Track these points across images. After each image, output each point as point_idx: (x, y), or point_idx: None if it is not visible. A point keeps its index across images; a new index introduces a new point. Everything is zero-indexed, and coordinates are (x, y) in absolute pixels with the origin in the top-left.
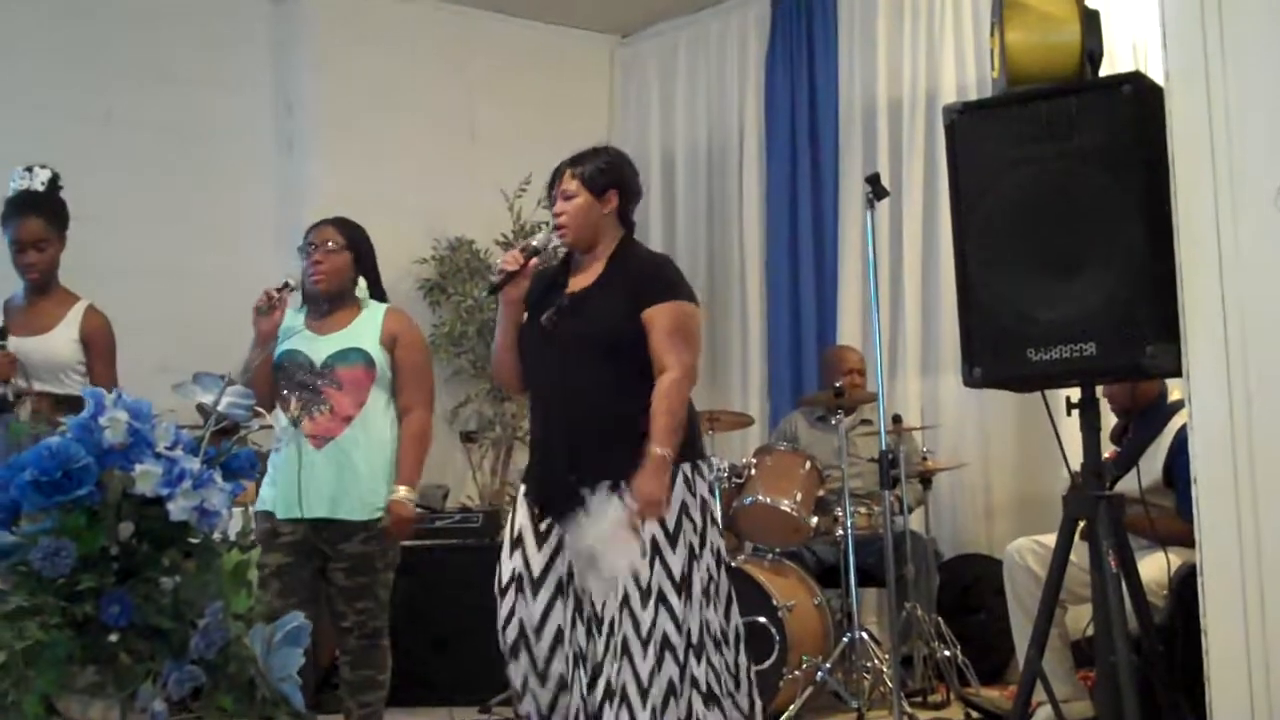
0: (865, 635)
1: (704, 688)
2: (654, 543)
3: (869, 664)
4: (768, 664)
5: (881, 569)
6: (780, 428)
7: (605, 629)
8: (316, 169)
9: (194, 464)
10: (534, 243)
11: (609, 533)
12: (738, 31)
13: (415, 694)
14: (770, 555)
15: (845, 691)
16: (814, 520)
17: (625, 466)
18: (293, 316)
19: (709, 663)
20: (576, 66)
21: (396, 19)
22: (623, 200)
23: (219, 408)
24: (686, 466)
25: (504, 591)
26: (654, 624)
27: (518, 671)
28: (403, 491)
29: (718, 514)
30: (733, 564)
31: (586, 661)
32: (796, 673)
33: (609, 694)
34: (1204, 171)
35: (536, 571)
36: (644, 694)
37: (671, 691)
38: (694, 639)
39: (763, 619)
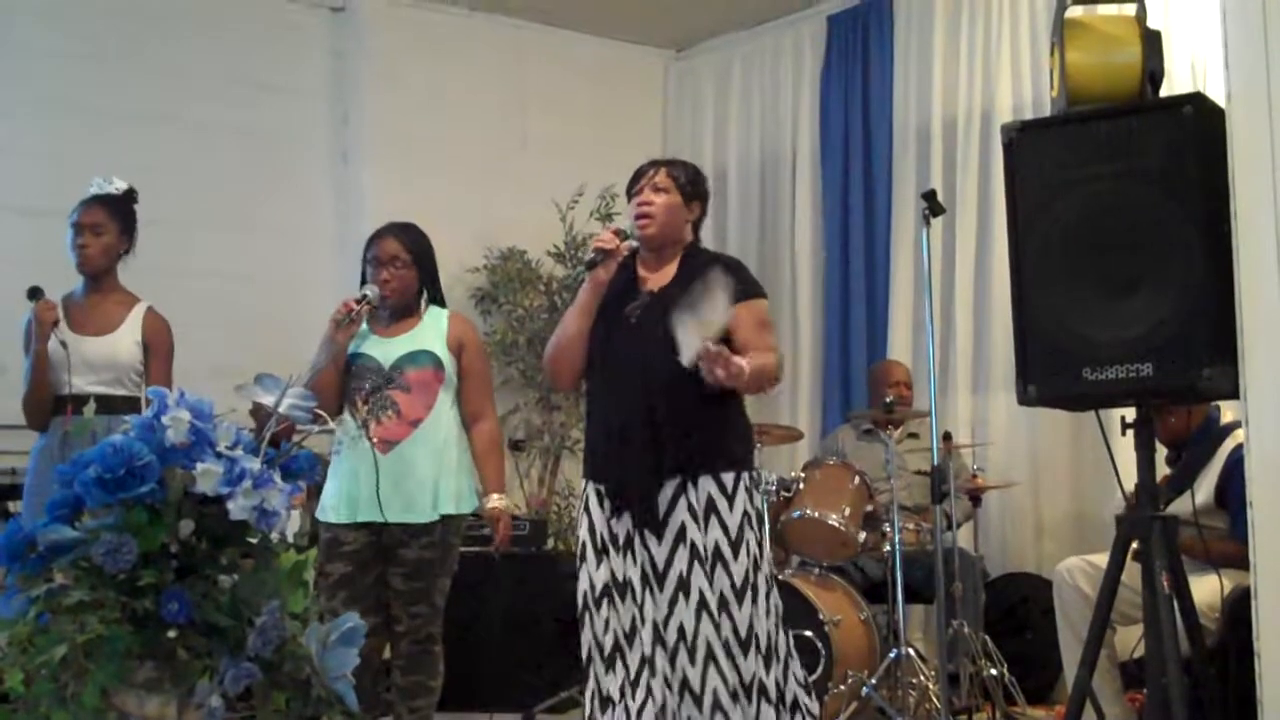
0: (911, 652)
1: (773, 694)
2: (716, 550)
3: (915, 681)
4: (813, 678)
5: (928, 586)
6: (827, 442)
7: (673, 633)
8: (372, 178)
9: (254, 464)
10: (624, 226)
11: (709, 318)
12: (793, 48)
13: (462, 699)
14: (817, 570)
15: (890, 708)
16: (862, 535)
17: (700, 461)
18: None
19: (781, 670)
20: (631, 80)
21: (453, 31)
22: (701, 214)
23: (280, 409)
24: (747, 476)
25: (598, 602)
26: (716, 630)
27: (614, 683)
28: (497, 499)
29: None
30: (779, 577)
31: (654, 665)
32: (842, 688)
33: (690, 696)
34: (1265, 193)
35: (621, 577)
36: (698, 700)
37: (735, 697)
38: (762, 645)
39: (809, 633)
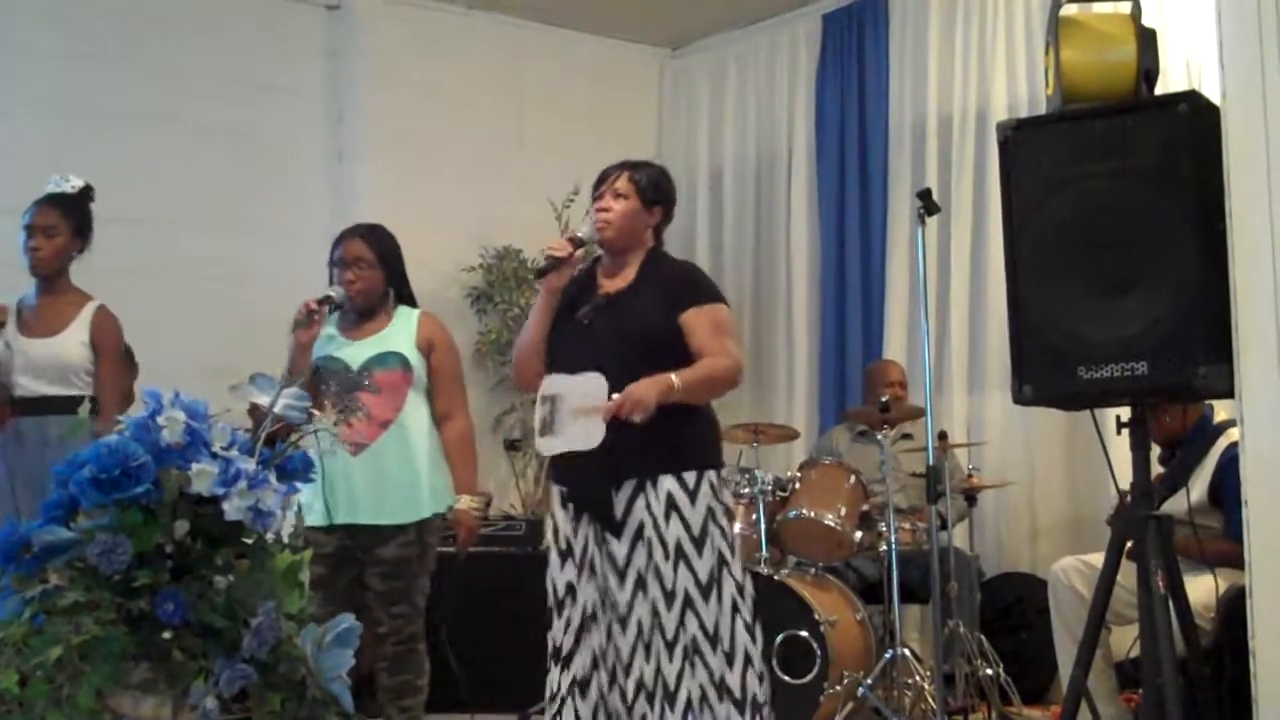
0: (907, 652)
1: (738, 695)
2: (678, 547)
3: (910, 681)
4: (809, 678)
5: (924, 585)
6: (822, 442)
7: (633, 629)
8: (367, 177)
9: (249, 464)
10: (579, 234)
11: (582, 403)
12: (788, 46)
13: (457, 700)
14: (813, 570)
15: (886, 708)
16: (858, 535)
17: (657, 463)
18: (324, 323)
19: (745, 670)
20: (627, 79)
21: (448, 29)
22: (664, 218)
23: (275, 409)
24: (712, 474)
25: (560, 604)
26: (680, 628)
27: (565, 680)
28: (466, 500)
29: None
30: (775, 577)
31: (607, 660)
32: (838, 688)
33: (645, 693)
34: (1259, 191)
35: (582, 579)
36: (670, 698)
37: (704, 698)
38: (726, 645)
39: (804, 633)
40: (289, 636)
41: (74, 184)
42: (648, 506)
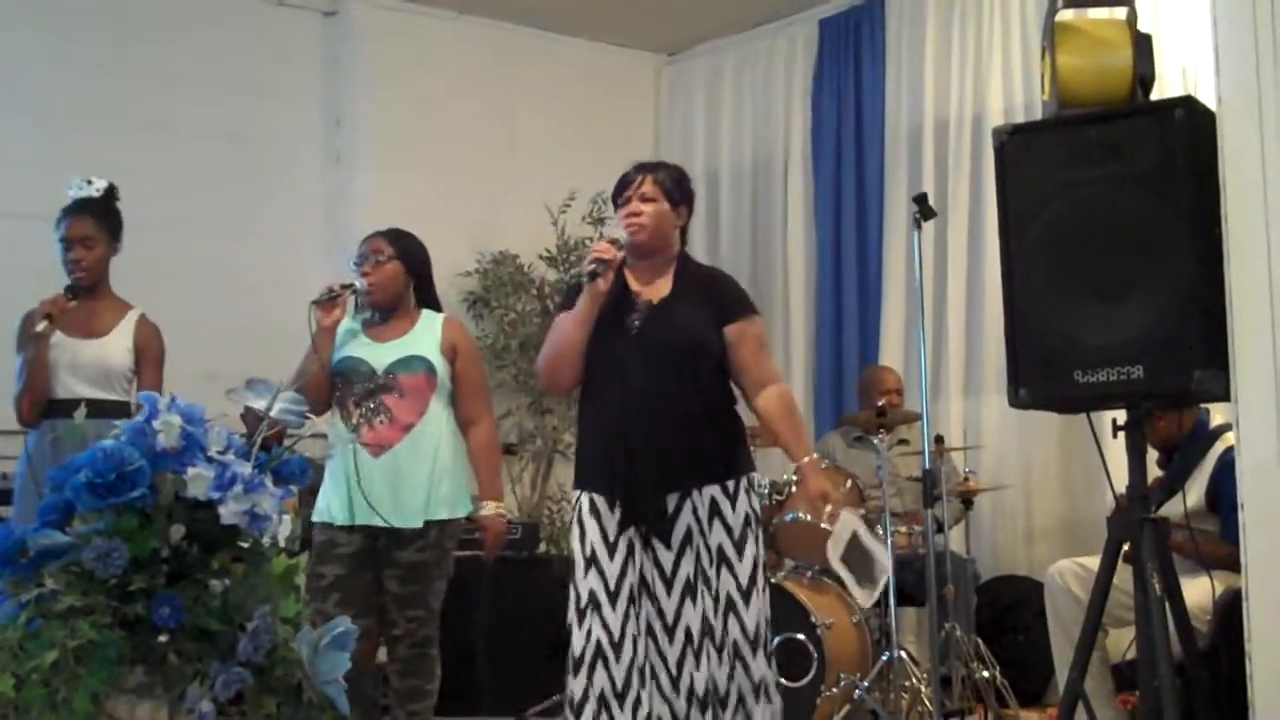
0: (904, 654)
1: (772, 695)
2: (720, 550)
3: (907, 683)
4: (805, 681)
5: (920, 588)
6: (817, 447)
7: (681, 636)
8: (363, 182)
9: (245, 468)
10: (617, 235)
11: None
12: (785, 51)
13: (453, 704)
14: (810, 573)
15: (883, 711)
16: None
17: (702, 472)
18: (350, 323)
19: (770, 669)
20: (623, 84)
21: (445, 35)
22: (688, 217)
23: (271, 413)
24: (745, 479)
25: (583, 612)
26: (724, 632)
27: (592, 691)
28: (492, 507)
29: None
30: (772, 580)
31: (660, 669)
32: (834, 690)
33: (697, 700)
34: (1255, 196)
35: (612, 586)
36: (722, 702)
37: (741, 700)
38: (763, 647)
39: (801, 636)
40: (285, 640)
41: (98, 186)
42: (694, 511)
